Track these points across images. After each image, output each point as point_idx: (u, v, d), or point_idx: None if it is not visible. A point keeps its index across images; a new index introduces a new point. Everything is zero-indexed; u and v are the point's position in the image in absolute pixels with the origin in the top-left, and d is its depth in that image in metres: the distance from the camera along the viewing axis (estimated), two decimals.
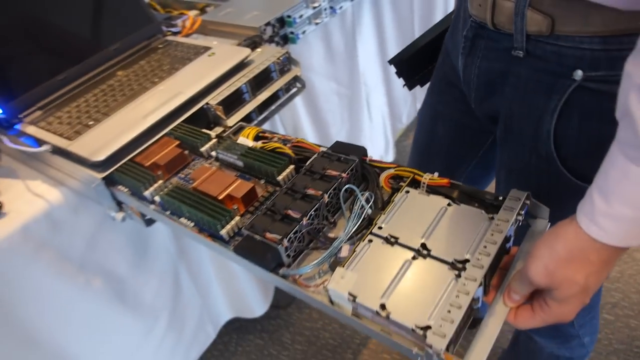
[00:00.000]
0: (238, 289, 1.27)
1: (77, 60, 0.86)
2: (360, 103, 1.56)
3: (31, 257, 0.77)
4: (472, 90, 0.68)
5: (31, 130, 0.77)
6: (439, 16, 1.76)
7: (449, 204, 0.51)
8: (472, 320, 0.44)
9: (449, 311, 0.41)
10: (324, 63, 1.33)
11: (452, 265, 0.45)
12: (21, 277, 0.77)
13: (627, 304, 1.36)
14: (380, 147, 1.77)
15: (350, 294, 0.44)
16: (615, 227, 0.41)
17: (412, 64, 0.91)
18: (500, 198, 0.51)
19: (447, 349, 0.39)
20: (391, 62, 0.92)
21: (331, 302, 0.47)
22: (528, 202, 0.49)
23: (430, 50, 0.88)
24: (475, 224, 0.48)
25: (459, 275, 0.44)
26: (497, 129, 0.66)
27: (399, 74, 0.92)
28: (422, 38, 0.92)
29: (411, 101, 1.90)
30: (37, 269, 0.78)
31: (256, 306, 1.33)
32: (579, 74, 0.53)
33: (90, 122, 0.75)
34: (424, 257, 0.46)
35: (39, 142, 0.76)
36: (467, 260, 0.45)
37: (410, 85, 0.92)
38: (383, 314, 0.42)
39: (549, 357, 0.92)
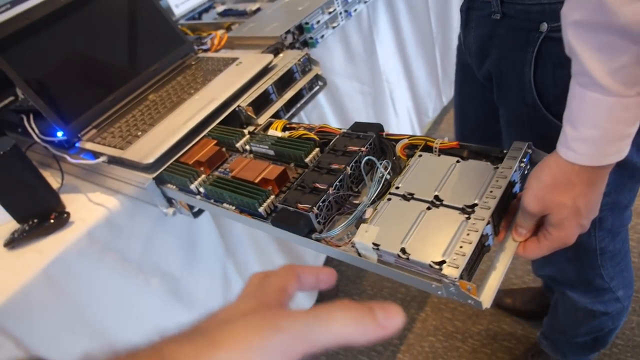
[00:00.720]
0: None
1: (123, 83, 0.97)
2: (385, 100, 1.62)
3: (97, 259, 0.87)
4: (472, 58, 0.74)
5: (89, 145, 0.88)
6: (454, 7, 1.80)
7: (457, 161, 0.57)
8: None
9: (461, 247, 0.46)
10: (344, 64, 1.40)
11: (462, 210, 0.50)
12: (89, 277, 0.86)
13: None
14: None
15: (374, 244, 0.50)
16: (586, 148, 0.46)
17: None
18: (505, 151, 0.56)
19: (461, 277, 0.44)
20: None
21: (359, 254, 0.53)
22: (530, 150, 0.54)
23: None
24: (482, 174, 0.53)
25: (468, 218, 0.49)
26: (494, 89, 0.73)
27: None
28: None
29: (436, 94, 1.94)
30: (102, 269, 0.88)
31: (302, 301, 1.40)
32: (544, 26, 0.61)
33: (139, 133, 0.85)
34: (437, 206, 0.52)
35: (96, 155, 0.86)
36: (476, 205, 0.50)
37: None
38: (404, 256, 0.48)
39: (585, 314, 0.94)
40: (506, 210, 0.52)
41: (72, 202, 0.90)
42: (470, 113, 0.89)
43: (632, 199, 0.77)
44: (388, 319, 0.27)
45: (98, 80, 0.96)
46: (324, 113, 1.36)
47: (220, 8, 1.52)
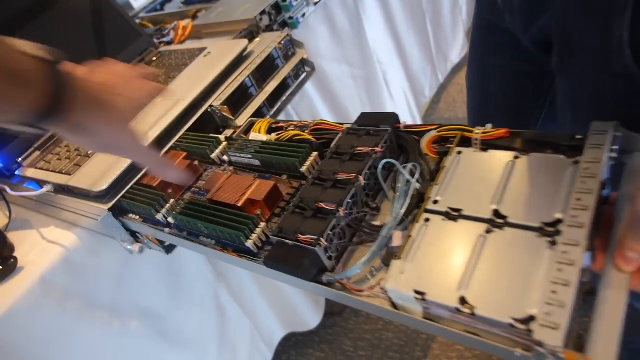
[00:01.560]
0: (287, 302, 1.19)
1: None
2: (378, 82, 1.46)
3: (56, 310, 0.71)
4: (515, 15, 0.57)
5: (30, 173, 0.71)
6: None
7: (515, 157, 0.40)
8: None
9: (554, 292, 0.30)
10: (331, 46, 1.23)
11: (541, 230, 0.34)
12: (50, 334, 0.70)
13: None
14: None
15: (417, 292, 0.34)
16: None
17: None
18: (579, 137, 0.40)
19: (566, 344, 0.28)
20: None
21: (394, 306, 0.37)
22: (619, 133, 0.38)
23: None
24: (557, 174, 0.37)
25: (554, 242, 0.33)
26: (552, 56, 0.55)
27: None
28: None
29: (431, 71, 1.77)
30: (66, 321, 0.72)
31: (309, 317, 1.24)
32: None
33: (90, 152, 0.68)
34: (501, 227, 0.36)
35: (40, 184, 0.69)
36: (560, 221, 0.34)
37: None
38: (465, 310, 0.32)
39: None
40: (598, 224, 0.36)
41: (22, 242, 0.74)
42: (495, 89, 0.71)
43: None
44: None
45: None
46: (313, 104, 1.20)
47: None
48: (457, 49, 1.94)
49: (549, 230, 0.34)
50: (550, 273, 0.31)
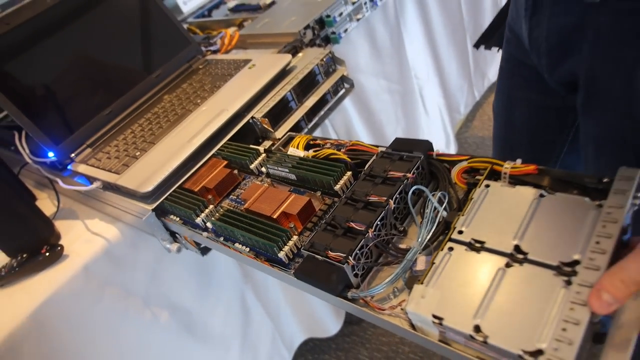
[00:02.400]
0: (308, 308, 1.22)
1: (121, 93, 0.85)
2: (414, 98, 1.48)
3: (96, 297, 0.76)
4: (542, 57, 0.59)
5: (82, 168, 0.76)
6: None
7: (541, 195, 0.42)
8: (594, 335, 0.35)
9: (564, 329, 0.32)
10: (370, 61, 1.26)
11: (558, 269, 0.36)
12: (88, 318, 0.75)
13: None
14: (440, 142, 1.67)
15: (435, 317, 0.37)
16: None
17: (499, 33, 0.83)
18: (605, 180, 0.41)
19: None
20: (477, 44, 0.84)
21: (413, 327, 0.40)
22: None
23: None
24: (579, 216, 0.39)
25: (569, 282, 0.35)
26: (577, 97, 0.57)
27: (488, 46, 0.84)
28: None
29: (467, 89, 1.78)
30: (103, 308, 0.77)
31: (330, 324, 1.27)
32: None
33: (138, 153, 0.73)
34: (520, 262, 0.38)
35: (90, 179, 0.74)
36: (577, 262, 0.36)
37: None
38: (479, 337, 0.34)
39: None
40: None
41: (67, 231, 0.79)
42: (521, 120, 0.73)
43: None
44: None
45: (92, 91, 0.84)
46: (348, 116, 1.23)
47: (231, 3, 1.39)
48: (496, 66, 1.93)
49: (566, 270, 0.36)
50: (563, 311, 0.33)
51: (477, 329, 0.35)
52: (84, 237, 0.77)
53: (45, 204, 0.87)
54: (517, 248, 0.39)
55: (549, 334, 0.33)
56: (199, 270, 0.91)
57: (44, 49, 0.81)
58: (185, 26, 1.23)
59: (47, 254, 0.74)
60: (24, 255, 0.74)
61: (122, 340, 0.81)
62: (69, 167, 0.78)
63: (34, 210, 0.76)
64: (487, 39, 0.84)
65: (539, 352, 0.32)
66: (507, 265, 0.38)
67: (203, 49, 0.99)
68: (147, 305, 0.84)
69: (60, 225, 0.80)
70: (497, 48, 0.84)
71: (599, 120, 0.56)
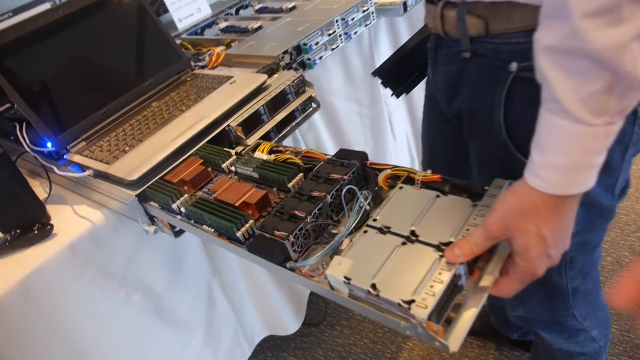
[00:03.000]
0: (271, 306, 1.32)
1: (116, 96, 0.97)
2: (383, 122, 1.62)
3: (78, 272, 0.86)
4: (441, 95, 0.74)
5: (76, 158, 0.87)
6: None
7: (437, 195, 0.56)
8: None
9: (432, 286, 0.45)
10: (343, 86, 1.40)
11: (437, 247, 0.49)
12: (69, 291, 0.85)
13: None
14: (405, 165, 1.81)
15: (345, 278, 0.49)
16: (553, 176, 0.46)
17: (396, 73, 0.96)
18: (485, 188, 0.55)
19: (429, 318, 0.43)
20: (375, 73, 0.98)
21: (331, 287, 0.52)
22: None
23: (412, 57, 0.93)
24: (460, 211, 0.52)
25: (442, 256, 0.48)
26: (463, 127, 0.72)
27: (385, 84, 0.97)
28: (402, 48, 0.97)
29: None
30: (83, 283, 0.87)
31: (289, 323, 1.37)
32: (513, 65, 0.60)
33: (127, 148, 0.85)
34: (413, 242, 0.51)
35: (83, 168, 0.86)
36: (451, 242, 0.49)
37: (397, 94, 0.97)
38: (374, 292, 0.47)
39: (562, 355, 0.92)
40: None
41: (58, 213, 0.89)
42: (439, 147, 0.89)
43: (601, 238, 0.76)
44: None
45: (91, 92, 0.96)
46: (319, 134, 1.36)
47: (222, 24, 1.53)
48: None
49: (442, 248, 0.49)
50: (433, 275, 0.46)
51: (374, 286, 0.47)
52: (72, 220, 0.88)
53: (38, 190, 0.97)
54: (413, 232, 0.52)
55: (421, 290, 0.45)
56: (172, 259, 1.02)
57: (52, 53, 0.93)
58: (178, 41, 1.36)
59: (38, 231, 0.84)
60: (17, 231, 0.84)
61: (97, 315, 0.91)
62: (65, 156, 0.90)
63: (28, 191, 0.87)
64: (387, 77, 0.95)
65: (412, 301, 0.44)
66: (403, 244, 0.51)
67: (192, 63, 1.12)
68: (122, 286, 0.94)
69: (50, 208, 0.90)
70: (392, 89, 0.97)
71: (476, 145, 0.72)
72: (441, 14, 0.67)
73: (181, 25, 1.56)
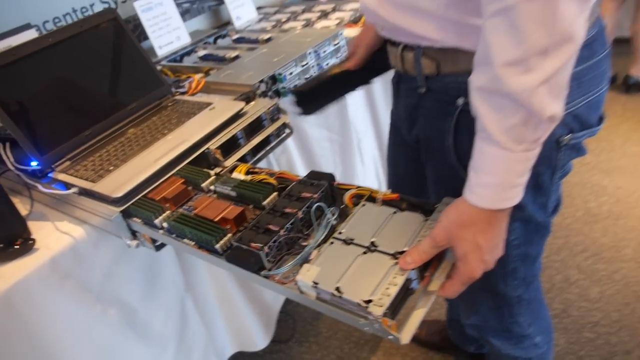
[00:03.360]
0: (241, 323, 1.37)
1: (101, 118, 1.03)
2: (352, 149, 1.71)
3: (57, 286, 0.89)
4: (402, 124, 0.84)
5: (61, 177, 0.92)
6: None
7: (395, 212, 0.64)
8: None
9: (387, 288, 0.53)
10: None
11: (393, 255, 0.57)
12: (48, 304, 0.89)
13: (607, 322, 1.43)
14: (372, 187, 1.90)
15: (313, 282, 0.56)
16: (486, 193, 0.56)
17: (311, 97, 1.02)
18: (436, 205, 0.63)
19: (385, 315, 0.50)
20: (291, 91, 1.03)
21: (301, 291, 0.59)
22: None
23: (330, 85, 1.01)
24: (413, 225, 0.61)
25: (397, 263, 0.56)
26: (420, 152, 0.82)
27: (297, 103, 1.02)
28: (323, 74, 1.04)
29: None
30: (61, 297, 0.90)
31: (258, 340, 1.42)
32: (460, 100, 0.71)
33: (111, 168, 0.90)
34: (372, 251, 0.59)
35: (68, 186, 0.90)
36: (404, 251, 0.57)
37: (305, 114, 1.04)
38: (338, 294, 0.54)
39: None
40: (432, 258, 0.59)
41: (39, 229, 0.93)
42: (402, 169, 0.99)
43: (540, 251, 0.86)
44: None
45: (76, 115, 1.02)
46: (292, 158, 1.44)
47: (201, 52, 1.61)
48: None
49: (397, 256, 0.57)
50: (389, 279, 0.54)
51: (338, 289, 0.55)
52: (53, 235, 0.92)
53: (18, 207, 1.00)
54: (372, 243, 0.60)
55: (378, 291, 0.53)
56: (147, 275, 1.06)
57: (41, 77, 0.99)
58: (159, 67, 1.42)
59: (20, 245, 0.88)
60: (0, 245, 0.88)
61: (72, 327, 0.94)
62: (49, 175, 0.94)
63: (11, 208, 0.91)
64: (302, 98, 1.01)
65: (370, 301, 0.52)
66: (364, 253, 0.59)
67: (173, 89, 1.19)
68: (99, 300, 0.98)
69: (31, 224, 0.94)
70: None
71: (431, 167, 0.82)
72: (401, 55, 0.77)
73: (161, 52, 1.63)
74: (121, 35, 1.11)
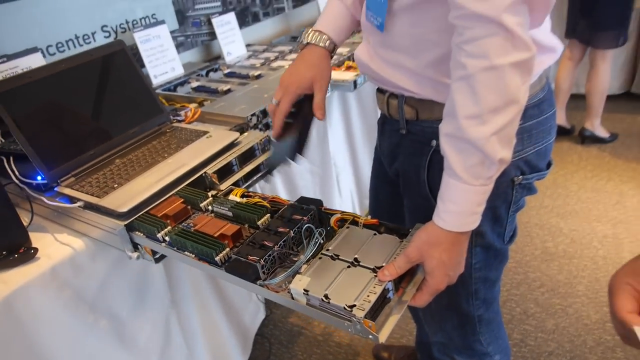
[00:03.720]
0: (220, 342, 1.43)
1: (104, 140, 1.11)
2: (331, 181, 1.83)
3: (55, 294, 0.95)
4: (385, 159, 0.96)
5: (67, 191, 0.99)
6: None
7: (374, 234, 0.74)
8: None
9: (368, 296, 0.62)
10: None
11: (373, 269, 0.67)
12: (45, 310, 0.94)
13: (561, 351, 1.55)
14: None
15: (304, 290, 0.66)
16: (450, 218, 0.67)
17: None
18: (410, 230, 0.74)
19: (366, 317, 0.60)
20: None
21: (292, 297, 0.68)
22: None
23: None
24: (390, 245, 0.71)
25: (376, 275, 0.66)
26: (400, 184, 0.94)
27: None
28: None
29: None
30: (59, 305, 0.96)
31: (236, 358, 1.48)
32: (434, 142, 0.83)
33: (115, 185, 0.98)
34: (355, 266, 0.69)
35: (72, 200, 0.98)
36: (382, 266, 0.67)
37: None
38: (326, 300, 0.63)
39: None
40: (405, 273, 0.70)
41: (39, 239, 0.99)
42: (382, 198, 1.10)
43: (499, 276, 0.98)
44: None
45: (82, 135, 1.10)
46: (275, 185, 1.54)
47: (194, 84, 1.72)
48: None
49: (376, 270, 0.67)
50: (369, 288, 0.64)
51: (326, 296, 0.64)
52: (53, 246, 0.98)
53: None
54: (355, 259, 0.70)
55: (360, 298, 0.63)
56: (137, 289, 1.13)
57: (51, 99, 1.07)
58: None
59: (23, 253, 0.94)
60: (3, 253, 0.94)
61: (67, 334, 0.99)
62: (55, 189, 1.01)
63: (16, 218, 0.97)
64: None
65: (353, 305, 0.62)
66: (348, 267, 0.69)
67: (172, 117, 1.28)
68: (92, 310, 1.03)
69: (32, 235, 1.01)
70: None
71: (408, 197, 0.93)
72: (387, 101, 0.89)
73: (156, 81, 1.73)
74: (127, 65, 1.21)
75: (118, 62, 1.21)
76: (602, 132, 2.82)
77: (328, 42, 0.90)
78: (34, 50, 1.39)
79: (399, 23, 0.76)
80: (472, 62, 0.61)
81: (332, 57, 0.93)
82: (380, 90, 0.92)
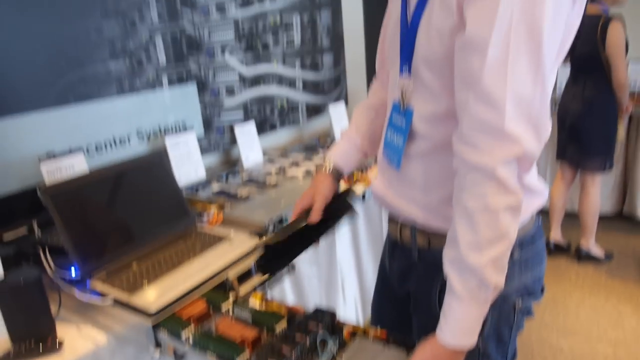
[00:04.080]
0: None
1: (135, 239, 1.22)
2: (336, 287, 1.90)
3: None
4: (394, 279, 1.04)
5: (99, 285, 1.08)
6: None
7: (384, 345, 0.82)
8: None
9: None
10: (309, 252, 1.70)
11: None
12: None
13: None
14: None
15: None
16: (450, 335, 0.75)
17: (280, 253, 1.03)
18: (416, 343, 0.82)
19: None
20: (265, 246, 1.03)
21: None
22: None
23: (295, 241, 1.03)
24: (397, 357, 0.78)
25: None
26: (410, 302, 1.01)
27: (265, 259, 1.02)
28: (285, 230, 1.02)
29: None
30: None
31: None
32: None
33: (144, 282, 1.07)
34: None
35: (103, 294, 1.06)
36: None
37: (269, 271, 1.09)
38: None
39: None
40: None
41: (63, 331, 1.05)
42: (386, 311, 1.16)
43: None
44: None
45: (115, 233, 1.21)
46: (283, 289, 1.61)
47: (215, 187, 1.86)
48: None
49: None
50: None
51: None
52: (77, 340, 1.04)
53: None
54: None
55: None
56: None
57: (93, 199, 1.19)
58: None
59: (50, 346, 1.00)
60: (32, 343, 1.00)
61: None
62: (87, 282, 1.10)
63: (47, 313, 1.04)
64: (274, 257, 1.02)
65: None
66: None
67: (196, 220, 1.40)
68: None
69: (57, 325, 1.07)
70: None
71: (417, 317, 1.00)
72: (400, 230, 1.00)
73: (180, 183, 1.87)
74: (165, 172, 1.36)
75: (157, 169, 1.35)
76: (598, 252, 2.91)
77: (335, 170, 1.08)
78: (78, 150, 1.55)
79: (414, 164, 0.90)
80: (472, 203, 0.73)
81: (339, 180, 1.09)
82: (392, 219, 1.04)
